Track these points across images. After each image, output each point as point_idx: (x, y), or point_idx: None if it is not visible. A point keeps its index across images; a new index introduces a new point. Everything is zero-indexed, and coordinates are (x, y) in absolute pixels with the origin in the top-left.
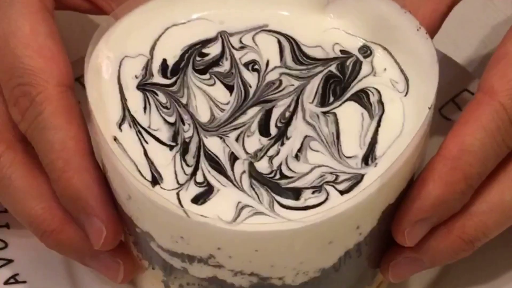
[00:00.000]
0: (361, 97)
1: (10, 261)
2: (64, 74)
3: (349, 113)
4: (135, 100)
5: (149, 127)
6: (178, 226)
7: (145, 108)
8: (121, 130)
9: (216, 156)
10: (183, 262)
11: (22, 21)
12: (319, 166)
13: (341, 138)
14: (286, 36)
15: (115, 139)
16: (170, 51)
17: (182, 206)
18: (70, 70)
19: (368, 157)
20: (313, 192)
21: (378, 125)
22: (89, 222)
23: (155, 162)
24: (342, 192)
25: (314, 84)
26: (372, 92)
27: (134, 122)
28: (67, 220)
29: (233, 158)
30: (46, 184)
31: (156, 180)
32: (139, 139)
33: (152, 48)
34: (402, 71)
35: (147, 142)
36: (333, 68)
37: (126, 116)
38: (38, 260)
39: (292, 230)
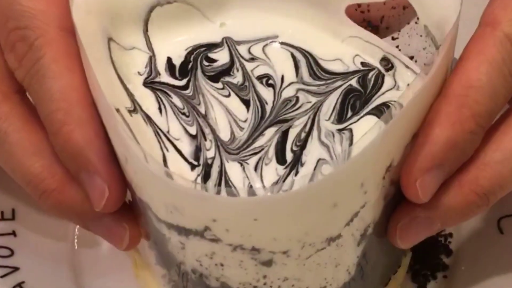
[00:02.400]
0: (382, 111)
1: (16, 269)
2: (65, 17)
3: (366, 128)
4: (144, 97)
5: (168, 132)
6: (169, 194)
7: (160, 109)
8: (131, 116)
9: (237, 191)
10: (180, 236)
11: None
12: None
13: (352, 155)
14: (300, 51)
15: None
16: (172, 49)
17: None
18: (70, 14)
19: None
20: None
21: None
22: (90, 181)
23: None
24: None
25: (332, 100)
26: (395, 106)
27: (151, 121)
28: (68, 179)
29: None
30: (45, 139)
31: None
32: (159, 142)
33: (148, 42)
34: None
35: (167, 150)
36: (353, 82)
37: (138, 109)
38: (45, 268)
39: (291, 193)
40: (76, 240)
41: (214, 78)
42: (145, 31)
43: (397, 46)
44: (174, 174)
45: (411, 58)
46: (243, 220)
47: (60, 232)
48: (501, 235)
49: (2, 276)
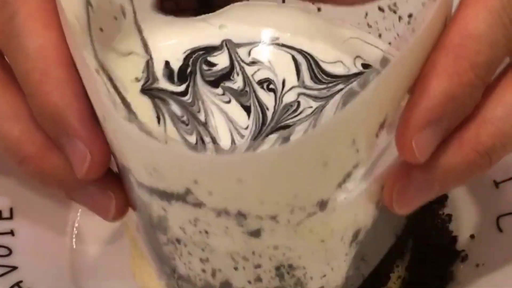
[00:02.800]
0: None
1: (14, 268)
2: None
3: None
4: (141, 105)
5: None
6: (148, 154)
7: (158, 118)
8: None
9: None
10: (162, 201)
11: None
12: None
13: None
14: (301, 52)
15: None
16: (170, 52)
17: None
18: None
19: None
20: None
21: None
22: (71, 145)
23: None
24: None
25: (334, 105)
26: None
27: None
28: (49, 145)
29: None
30: (24, 103)
31: None
32: None
33: (145, 44)
34: None
35: None
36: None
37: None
38: (43, 268)
39: (276, 149)
40: (74, 240)
41: (214, 83)
42: (140, 29)
43: (395, 4)
44: (152, 131)
45: (410, 16)
46: (226, 181)
47: (58, 232)
48: (500, 233)
49: (0, 275)
